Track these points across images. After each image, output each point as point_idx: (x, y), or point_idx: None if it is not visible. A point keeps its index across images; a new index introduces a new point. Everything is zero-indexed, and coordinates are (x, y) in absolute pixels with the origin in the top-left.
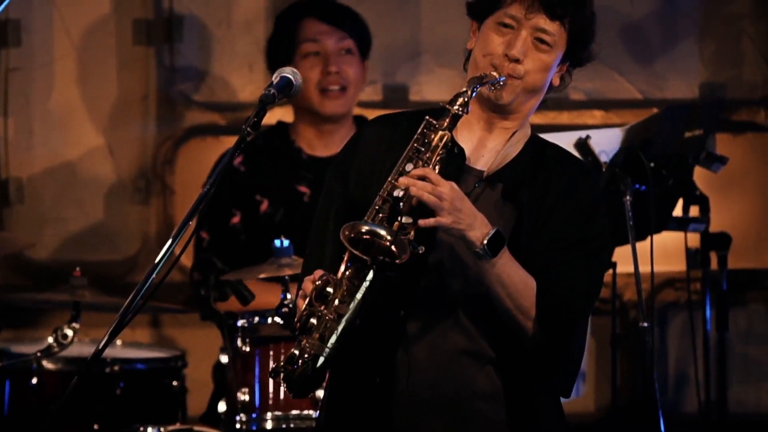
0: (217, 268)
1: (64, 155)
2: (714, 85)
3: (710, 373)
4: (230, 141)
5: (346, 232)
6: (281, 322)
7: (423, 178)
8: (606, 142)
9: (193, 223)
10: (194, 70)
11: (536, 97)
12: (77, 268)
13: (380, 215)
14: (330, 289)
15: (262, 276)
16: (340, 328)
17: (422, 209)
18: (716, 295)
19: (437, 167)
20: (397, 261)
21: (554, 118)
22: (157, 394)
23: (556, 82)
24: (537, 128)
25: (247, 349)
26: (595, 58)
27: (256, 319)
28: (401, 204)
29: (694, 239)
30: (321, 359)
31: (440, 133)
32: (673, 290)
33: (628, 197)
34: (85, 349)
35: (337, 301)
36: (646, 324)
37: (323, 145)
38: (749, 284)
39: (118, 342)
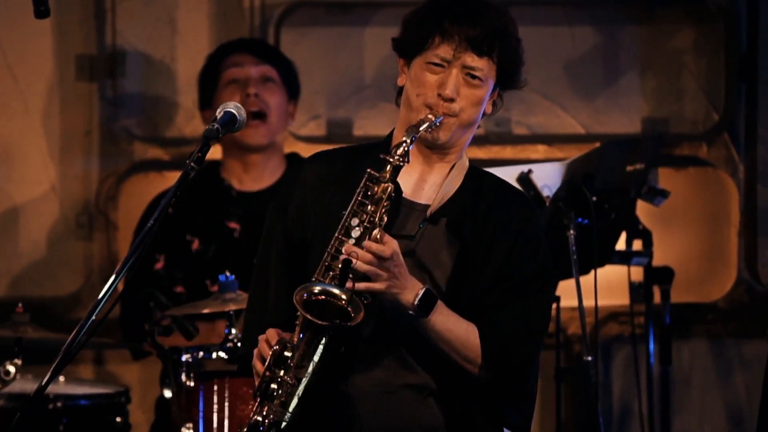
0: (161, 302)
1: (7, 191)
2: (656, 119)
3: (654, 406)
4: (174, 176)
5: (299, 297)
6: (226, 357)
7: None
8: (548, 177)
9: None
10: (137, 106)
11: (471, 128)
12: (19, 305)
13: (330, 273)
14: (288, 353)
15: (206, 311)
16: (300, 390)
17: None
18: (659, 329)
19: (384, 219)
20: (352, 323)
21: (497, 153)
22: (101, 430)
23: (489, 109)
24: (480, 163)
25: (192, 384)
26: (525, 84)
27: (201, 354)
28: (351, 262)
29: (637, 273)
30: (283, 424)
31: (383, 185)
32: (617, 324)
33: (571, 231)
34: (28, 386)
35: (295, 366)
36: (590, 358)
37: (252, 179)
38: (692, 318)
39: (61, 378)
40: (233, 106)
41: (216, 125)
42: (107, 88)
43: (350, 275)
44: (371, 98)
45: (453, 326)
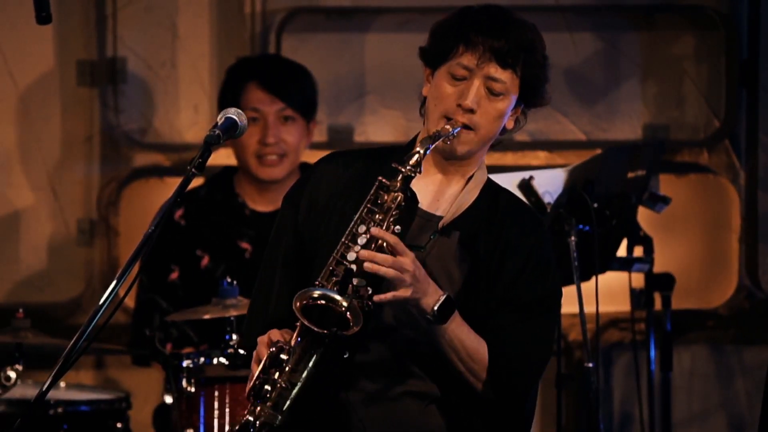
0: (161, 308)
1: (7, 197)
2: (656, 126)
3: (654, 412)
4: (175, 182)
5: (298, 303)
6: (226, 363)
7: (384, 249)
8: (550, 183)
9: (137, 265)
10: (138, 112)
11: (490, 142)
12: (20, 310)
13: (334, 278)
14: (284, 356)
15: (206, 317)
16: (293, 395)
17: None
18: (660, 336)
19: (392, 228)
20: (350, 333)
21: (498, 159)
22: None
23: (510, 125)
24: None
25: (192, 389)
26: (549, 102)
27: (201, 359)
28: (355, 267)
29: (638, 279)
30: (274, 426)
31: (393, 194)
32: (618, 330)
33: (572, 238)
34: (29, 392)
35: (290, 369)
36: (591, 364)
37: (266, 201)
38: (693, 324)
39: (62, 384)
40: (234, 112)
41: (217, 131)
42: (108, 93)
43: (353, 279)
44: (372, 104)
45: (465, 337)
